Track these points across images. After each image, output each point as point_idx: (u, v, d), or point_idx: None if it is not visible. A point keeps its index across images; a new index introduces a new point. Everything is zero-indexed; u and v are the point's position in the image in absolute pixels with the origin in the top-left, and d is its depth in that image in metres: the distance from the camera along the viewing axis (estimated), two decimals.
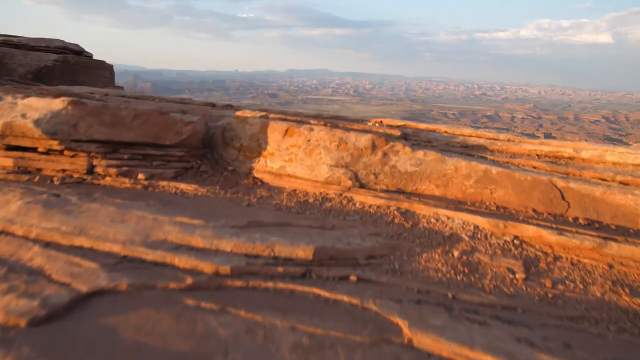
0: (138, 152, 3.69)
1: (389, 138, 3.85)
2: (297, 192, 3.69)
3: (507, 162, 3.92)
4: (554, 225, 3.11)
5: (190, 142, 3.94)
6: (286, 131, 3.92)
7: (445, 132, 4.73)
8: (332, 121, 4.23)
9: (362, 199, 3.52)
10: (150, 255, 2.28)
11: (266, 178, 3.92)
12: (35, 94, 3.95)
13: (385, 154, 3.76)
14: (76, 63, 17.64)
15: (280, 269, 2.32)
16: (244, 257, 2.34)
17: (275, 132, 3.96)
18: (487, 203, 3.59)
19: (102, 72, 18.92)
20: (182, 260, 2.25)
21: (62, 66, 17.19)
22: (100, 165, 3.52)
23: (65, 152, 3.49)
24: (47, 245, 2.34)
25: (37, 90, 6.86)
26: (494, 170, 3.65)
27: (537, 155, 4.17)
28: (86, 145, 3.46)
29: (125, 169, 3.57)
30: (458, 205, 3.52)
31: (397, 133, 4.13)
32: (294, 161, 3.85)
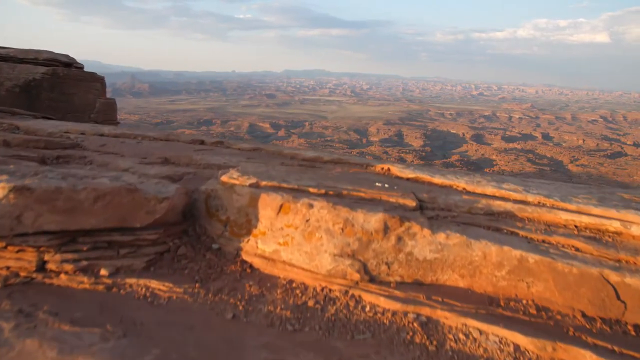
0: (101, 240, 3.04)
1: (403, 216, 3.21)
2: (294, 285, 3.06)
3: (544, 241, 3.30)
4: (615, 349, 2.48)
5: (166, 219, 3.31)
6: (280, 207, 3.29)
7: (464, 189, 4.12)
8: (335, 188, 3.59)
9: (373, 299, 2.90)
10: None
11: (257, 263, 3.28)
12: None
13: (399, 239, 3.13)
14: (66, 75, 16.91)
15: None
16: None
17: (267, 207, 3.32)
18: (524, 301, 2.97)
19: (93, 84, 18.25)
20: None
21: (51, 79, 16.48)
22: (53, 261, 2.88)
23: (9, 247, 2.84)
24: None
25: (8, 128, 6.21)
26: (531, 258, 3.03)
27: (576, 226, 3.55)
28: (34, 239, 2.82)
29: (84, 263, 2.93)
30: (489, 306, 2.90)
31: (412, 203, 3.50)
32: (290, 245, 3.22)
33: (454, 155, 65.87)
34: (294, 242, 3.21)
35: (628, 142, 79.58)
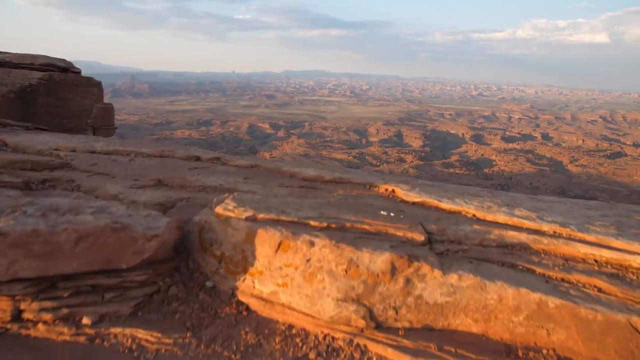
0: (84, 284, 2.80)
1: (411, 255, 2.97)
2: (294, 332, 2.81)
3: (563, 280, 3.06)
4: None
5: (156, 257, 3.06)
6: (279, 245, 3.04)
7: (474, 216, 3.89)
8: (337, 219, 3.35)
9: (380, 350, 2.65)
10: None
11: (254, 305, 3.04)
12: None
13: (408, 281, 2.89)
14: (62, 81, 16.65)
15: None
16: None
17: (265, 244, 3.08)
18: (545, 351, 2.73)
19: (90, 89, 17.97)
20: None
21: (48, 84, 16.21)
22: (30, 310, 2.63)
23: None
24: None
25: None
26: (551, 302, 2.79)
27: (596, 260, 3.32)
28: (8, 287, 2.57)
29: (65, 311, 2.69)
30: (506, 358, 2.65)
31: (420, 237, 3.26)
32: (290, 287, 2.98)
33: (453, 156, 65.64)
34: (293, 283, 2.97)
35: (627, 142, 79.39)
